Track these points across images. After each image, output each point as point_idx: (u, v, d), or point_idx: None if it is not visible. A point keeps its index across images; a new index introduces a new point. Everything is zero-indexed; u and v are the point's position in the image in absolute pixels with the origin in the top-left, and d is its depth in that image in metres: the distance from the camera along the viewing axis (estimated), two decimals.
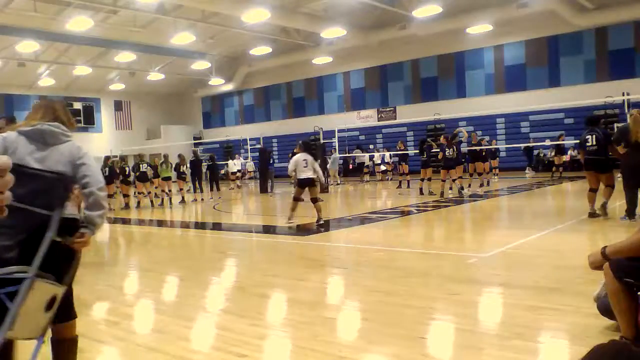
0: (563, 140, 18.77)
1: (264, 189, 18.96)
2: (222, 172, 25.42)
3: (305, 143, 9.90)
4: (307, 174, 9.31)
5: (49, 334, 2.65)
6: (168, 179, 15.44)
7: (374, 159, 23.46)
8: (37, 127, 2.63)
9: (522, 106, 21.04)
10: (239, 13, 19.69)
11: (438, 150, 14.21)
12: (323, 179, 12.24)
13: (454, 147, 13.59)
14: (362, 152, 24.16)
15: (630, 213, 7.63)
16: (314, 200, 9.36)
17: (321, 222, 9.21)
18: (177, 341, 3.64)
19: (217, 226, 11.12)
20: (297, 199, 9.48)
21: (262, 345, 3.55)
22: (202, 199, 16.79)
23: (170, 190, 15.53)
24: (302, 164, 9.29)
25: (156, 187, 15.91)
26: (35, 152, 2.58)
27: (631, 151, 7.38)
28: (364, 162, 23.56)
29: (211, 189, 16.96)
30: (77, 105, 31.45)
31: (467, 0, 20.69)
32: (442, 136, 15.03)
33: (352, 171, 25.27)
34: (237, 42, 27.10)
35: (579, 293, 4.08)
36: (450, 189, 14.03)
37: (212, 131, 34.68)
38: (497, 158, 19.29)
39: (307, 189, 9.38)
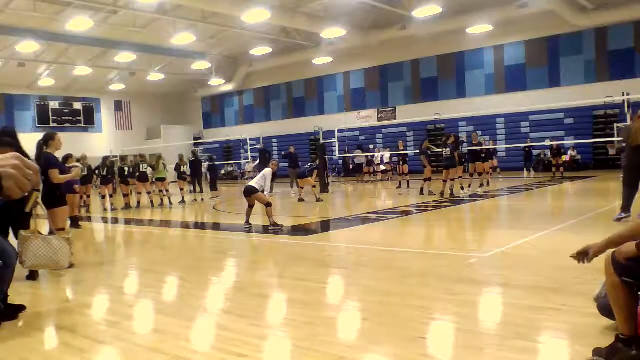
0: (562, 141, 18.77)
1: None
2: (222, 172, 25.43)
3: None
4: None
5: None
6: (162, 179, 15.42)
7: (374, 159, 23.44)
8: None
9: (522, 106, 21.02)
10: (239, 13, 19.68)
11: (440, 151, 14.30)
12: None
13: (451, 147, 13.81)
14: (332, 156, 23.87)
15: (625, 208, 7.65)
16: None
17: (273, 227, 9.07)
18: (177, 341, 3.64)
19: (217, 226, 11.12)
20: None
21: (262, 345, 3.55)
22: (202, 199, 16.80)
23: (167, 191, 15.50)
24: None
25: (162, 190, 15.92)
26: None
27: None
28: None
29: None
30: (77, 106, 31.47)
31: (467, 0, 20.68)
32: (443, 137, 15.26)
33: (352, 171, 25.26)
34: (237, 42, 27.10)
35: (579, 293, 4.07)
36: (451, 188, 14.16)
37: (212, 131, 34.67)
38: (495, 158, 19.26)
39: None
